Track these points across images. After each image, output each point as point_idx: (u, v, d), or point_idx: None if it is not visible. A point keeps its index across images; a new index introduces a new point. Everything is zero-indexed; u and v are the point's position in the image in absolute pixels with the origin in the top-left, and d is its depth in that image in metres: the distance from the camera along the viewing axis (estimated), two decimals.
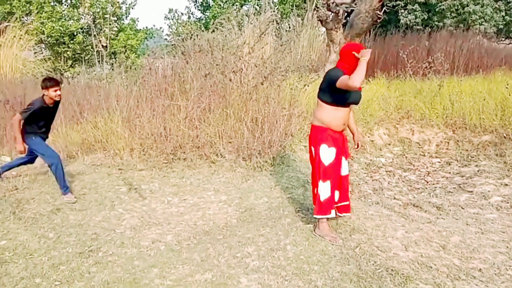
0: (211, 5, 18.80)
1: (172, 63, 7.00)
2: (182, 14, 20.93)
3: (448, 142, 6.75)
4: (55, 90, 4.25)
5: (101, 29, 13.46)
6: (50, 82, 4.25)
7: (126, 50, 13.91)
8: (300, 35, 10.09)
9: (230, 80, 5.74)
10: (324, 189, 3.39)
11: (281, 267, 2.99)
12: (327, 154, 3.39)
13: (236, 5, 17.59)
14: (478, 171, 5.69)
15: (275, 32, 11.50)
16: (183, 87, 6.10)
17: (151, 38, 17.15)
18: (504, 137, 6.32)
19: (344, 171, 3.63)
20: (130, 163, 5.35)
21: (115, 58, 13.25)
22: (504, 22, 17.90)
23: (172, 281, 2.85)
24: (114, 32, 13.89)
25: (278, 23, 12.10)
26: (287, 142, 5.64)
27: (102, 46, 13.32)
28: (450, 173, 5.76)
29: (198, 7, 19.52)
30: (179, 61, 6.88)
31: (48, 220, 3.85)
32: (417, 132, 7.15)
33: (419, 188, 5.34)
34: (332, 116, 3.36)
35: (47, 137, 4.58)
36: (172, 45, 13.44)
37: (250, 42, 6.44)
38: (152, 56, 10.73)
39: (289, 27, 12.17)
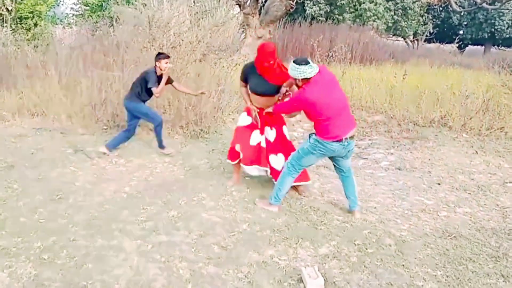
0: None
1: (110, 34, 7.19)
2: None
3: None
4: (166, 62, 4.80)
5: None
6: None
7: (33, 16, 13.13)
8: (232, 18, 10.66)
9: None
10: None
11: (232, 206, 3.75)
12: (242, 119, 4.22)
13: None
14: (371, 143, 6.99)
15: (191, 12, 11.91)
16: (119, 59, 6.40)
17: (57, 5, 16.28)
18: (391, 117, 7.75)
19: (252, 142, 4.20)
20: (71, 128, 5.60)
21: (21, 24, 12.51)
22: (393, 21, 20.31)
23: (145, 217, 3.44)
24: None
25: (194, 2, 12.53)
26: (218, 114, 6.33)
27: (7, 9, 12.45)
28: None
29: None
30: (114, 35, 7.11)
31: (6, 175, 4.09)
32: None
33: None
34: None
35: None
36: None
37: (185, 21, 6.94)
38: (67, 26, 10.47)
39: (205, 8, 12.64)
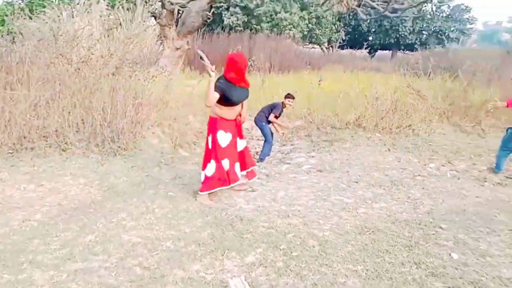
0: None
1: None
2: None
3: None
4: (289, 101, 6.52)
5: None
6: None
7: None
8: (146, 29, 10.39)
9: (78, 69, 5.88)
10: (214, 167, 4.23)
11: (154, 224, 3.61)
12: (223, 138, 4.25)
13: None
14: (293, 148, 7.18)
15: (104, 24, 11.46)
16: (23, 76, 5.94)
17: None
18: (310, 122, 8.03)
19: (240, 147, 4.55)
20: None
21: None
22: (308, 29, 21.19)
23: (58, 245, 3.18)
24: None
25: (108, 15, 12.08)
26: (136, 129, 6.11)
27: None
28: (273, 151, 7.05)
29: None
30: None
31: None
32: (247, 120, 8.39)
33: None
34: (226, 110, 4.25)
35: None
36: None
37: (94, 34, 6.62)
38: None
39: (119, 19, 12.24)
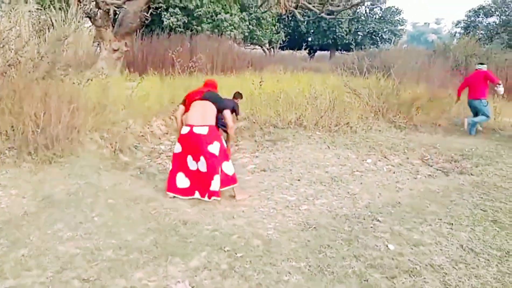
0: None
1: None
2: None
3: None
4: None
5: None
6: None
7: None
8: (76, 31, 9.95)
9: (5, 73, 5.51)
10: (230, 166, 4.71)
11: (94, 233, 3.47)
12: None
13: None
14: (238, 148, 7.20)
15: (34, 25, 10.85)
16: None
17: None
18: (254, 122, 8.10)
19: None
20: None
21: None
22: (249, 30, 21.34)
23: None
24: None
25: (38, 16, 11.45)
26: (73, 135, 5.84)
27: None
28: None
29: None
30: None
31: None
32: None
33: None
34: None
35: None
36: None
37: (22, 35, 6.23)
38: None
39: (51, 20, 11.66)
